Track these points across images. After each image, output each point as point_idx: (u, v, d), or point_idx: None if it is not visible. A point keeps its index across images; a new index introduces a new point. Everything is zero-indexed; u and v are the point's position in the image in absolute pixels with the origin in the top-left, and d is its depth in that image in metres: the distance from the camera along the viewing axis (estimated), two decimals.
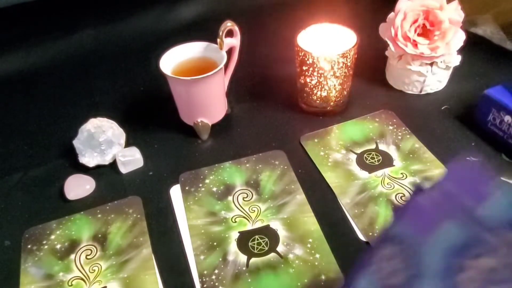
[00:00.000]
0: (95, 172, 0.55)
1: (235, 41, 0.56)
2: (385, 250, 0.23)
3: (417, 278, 0.22)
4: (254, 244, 0.46)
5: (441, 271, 0.21)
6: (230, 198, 0.51)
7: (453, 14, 0.57)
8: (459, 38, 0.58)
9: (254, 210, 0.49)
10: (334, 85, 0.57)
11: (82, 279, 0.44)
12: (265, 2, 0.87)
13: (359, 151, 0.55)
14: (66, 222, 0.50)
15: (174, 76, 0.52)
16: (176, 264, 0.45)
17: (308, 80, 0.57)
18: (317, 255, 0.44)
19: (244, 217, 0.48)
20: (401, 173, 0.52)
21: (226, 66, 0.57)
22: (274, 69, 0.70)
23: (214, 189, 0.52)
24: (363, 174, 0.52)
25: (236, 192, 0.51)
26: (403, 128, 0.58)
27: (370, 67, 0.67)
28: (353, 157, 0.54)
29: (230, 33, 0.55)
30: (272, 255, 0.45)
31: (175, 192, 0.52)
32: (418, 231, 0.23)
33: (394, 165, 0.53)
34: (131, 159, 0.55)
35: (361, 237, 0.46)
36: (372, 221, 0.47)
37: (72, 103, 0.68)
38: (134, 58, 0.76)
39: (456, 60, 0.60)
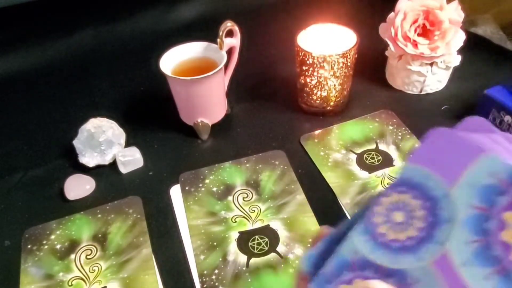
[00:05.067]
0: (95, 172, 0.55)
1: (235, 41, 0.56)
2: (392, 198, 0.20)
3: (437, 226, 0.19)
4: (254, 244, 0.46)
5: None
6: (230, 198, 0.51)
7: (453, 14, 0.57)
8: (459, 38, 0.58)
9: (254, 210, 0.49)
10: (334, 85, 0.57)
11: (82, 279, 0.44)
12: (265, 2, 0.87)
13: (359, 151, 0.55)
14: (66, 222, 0.50)
15: (174, 76, 0.52)
16: (176, 264, 0.45)
17: (308, 80, 0.57)
18: None
19: (244, 217, 0.48)
20: None
21: (226, 66, 0.57)
22: (274, 69, 0.70)
23: (214, 189, 0.52)
24: (363, 174, 0.52)
25: (236, 192, 0.51)
26: (403, 128, 0.58)
27: (370, 67, 0.67)
28: (353, 157, 0.54)
29: (230, 33, 0.55)
30: (272, 255, 0.45)
31: (175, 192, 0.52)
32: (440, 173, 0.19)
33: (394, 165, 0.53)
34: (131, 159, 0.55)
35: None
36: None
37: (72, 103, 0.68)
38: (134, 58, 0.76)
39: (456, 60, 0.60)
